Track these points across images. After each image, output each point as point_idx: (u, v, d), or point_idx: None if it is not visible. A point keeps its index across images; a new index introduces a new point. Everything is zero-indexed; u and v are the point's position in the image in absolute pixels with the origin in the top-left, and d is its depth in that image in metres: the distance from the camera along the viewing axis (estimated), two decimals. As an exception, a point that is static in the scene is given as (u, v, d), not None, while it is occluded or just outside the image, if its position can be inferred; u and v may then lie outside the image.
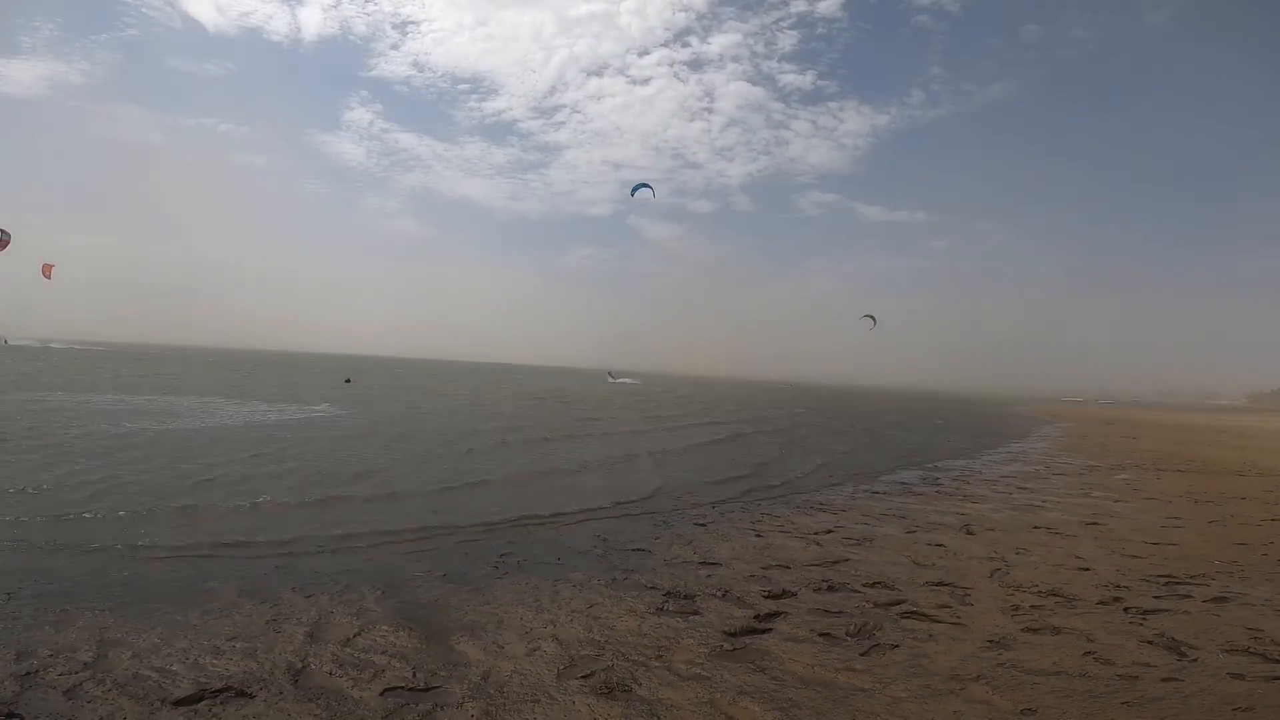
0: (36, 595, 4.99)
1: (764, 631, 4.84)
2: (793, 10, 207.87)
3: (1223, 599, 5.86)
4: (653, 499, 10.13)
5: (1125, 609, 5.53)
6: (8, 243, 22.27)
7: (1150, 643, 4.76)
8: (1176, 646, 4.68)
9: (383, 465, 11.96)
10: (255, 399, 25.93)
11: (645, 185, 24.72)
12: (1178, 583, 6.36)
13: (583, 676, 4.00)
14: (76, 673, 3.77)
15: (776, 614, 5.19)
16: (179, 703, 3.51)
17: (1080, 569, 6.79)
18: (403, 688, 3.80)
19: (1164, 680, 4.12)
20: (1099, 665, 4.35)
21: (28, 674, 3.73)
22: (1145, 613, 5.43)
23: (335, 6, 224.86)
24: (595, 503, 9.58)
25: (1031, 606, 5.57)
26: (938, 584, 6.13)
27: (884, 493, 11.50)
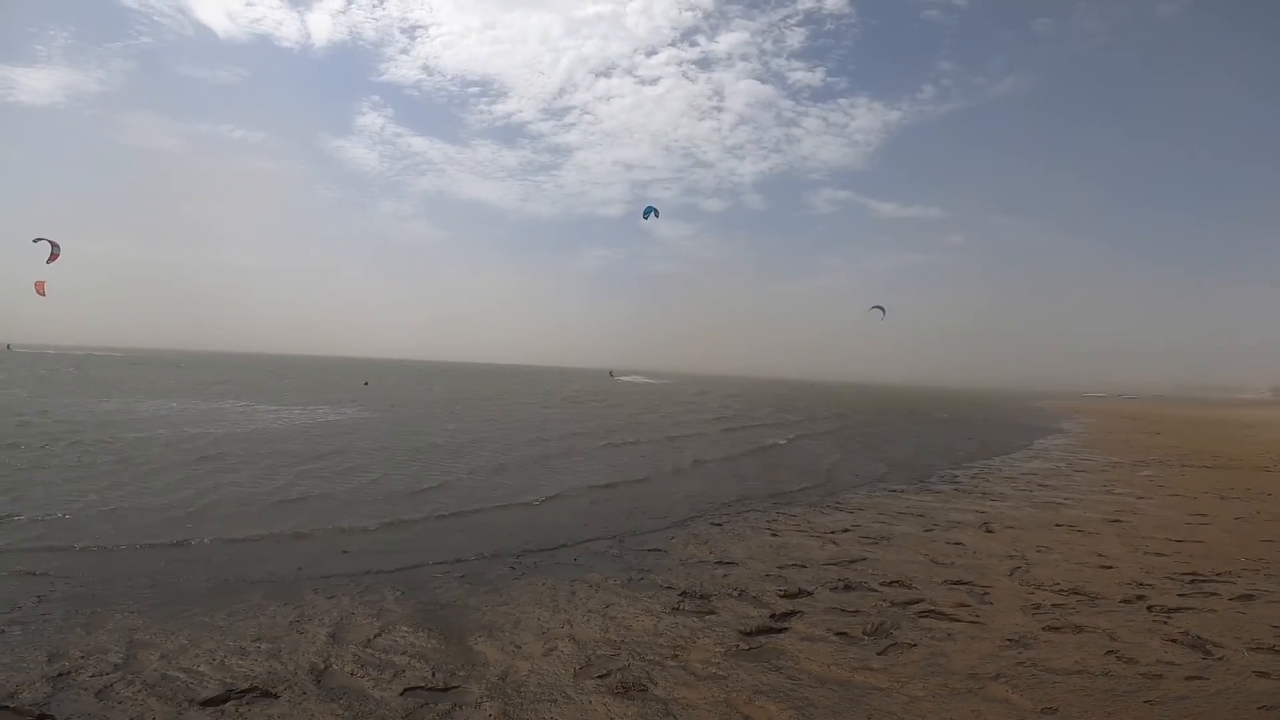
0: (68, 597, 5.11)
1: (780, 631, 4.84)
2: (800, 7, 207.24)
3: (1249, 596, 5.77)
4: (735, 507, 9.79)
5: (1149, 607, 5.46)
6: (58, 255, 22.65)
7: (1175, 641, 4.70)
8: (1201, 645, 4.62)
9: (459, 476, 11.62)
10: (289, 403, 26.38)
11: (653, 209, 25.87)
12: (1203, 580, 6.26)
13: (599, 676, 4.03)
14: (107, 674, 3.86)
15: (793, 613, 5.18)
16: (206, 703, 3.58)
17: (1103, 567, 6.71)
18: (422, 687, 3.85)
19: (1188, 679, 4.07)
20: (1122, 664, 4.30)
21: (60, 675, 3.82)
22: (1169, 611, 5.36)
23: (344, 12, 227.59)
24: (684, 515, 9.16)
25: (1053, 605, 5.52)
26: (956, 583, 6.09)
27: (901, 491, 11.42)
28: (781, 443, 19.80)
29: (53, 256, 22.54)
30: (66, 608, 4.87)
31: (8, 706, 3.46)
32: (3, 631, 4.41)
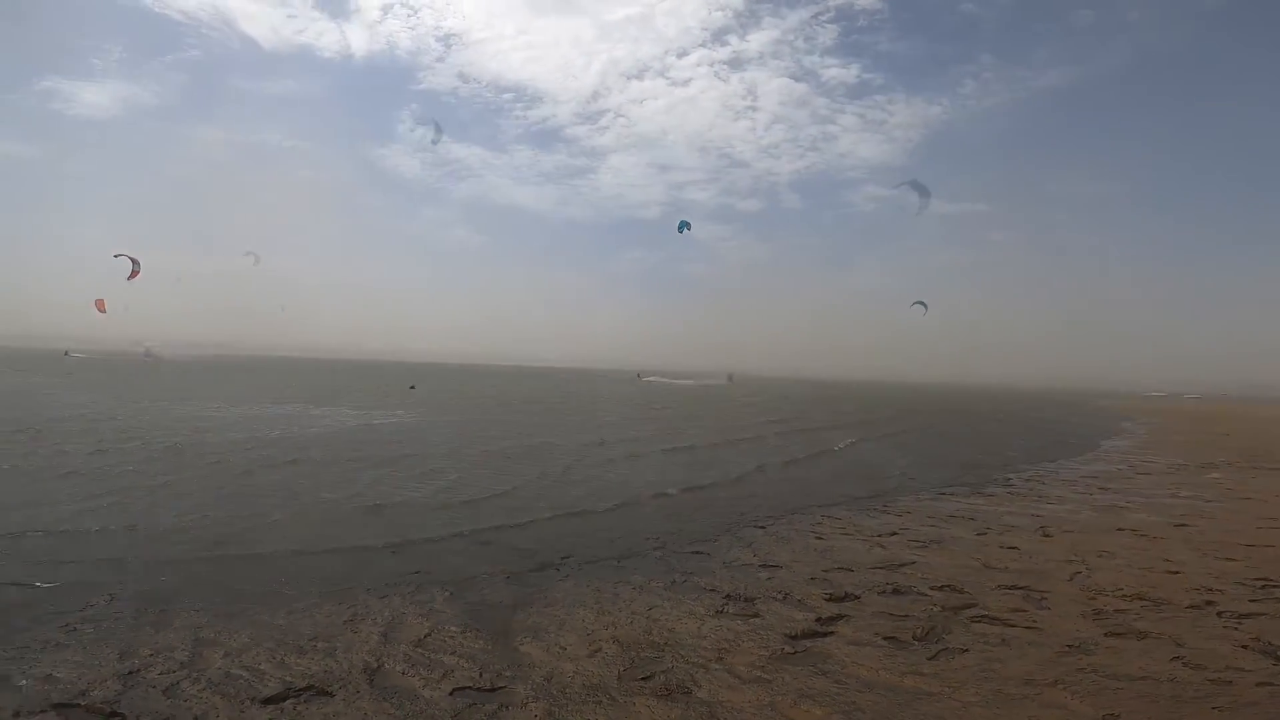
0: (139, 595, 5.33)
1: (826, 635, 4.77)
2: (831, 4, 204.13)
3: (1329, 602, 5.45)
4: (791, 511, 9.59)
5: (1218, 613, 5.22)
6: (139, 272, 23.66)
7: (1245, 647, 4.48)
8: (1273, 651, 4.39)
9: (529, 480, 11.51)
10: (350, 407, 26.96)
11: (686, 224, 26.58)
12: (1274, 586, 5.95)
13: (643, 678, 4.04)
14: (174, 672, 4.03)
15: (839, 617, 5.10)
16: (266, 701, 3.71)
17: (1169, 572, 6.43)
18: (471, 688, 3.91)
19: (1259, 685, 3.87)
20: (1188, 670, 4.11)
21: (130, 673, 4.00)
22: (1240, 616, 5.10)
23: (380, 22, 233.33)
24: (736, 518, 8.99)
25: (1115, 611, 5.32)
26: (1011, 587, 5.91)
27: (953, 494, 11.13)
28: (842, 446, 19.16)
29: (133, 273, 23.52)
30: (137, 606, 5.09)
31: (80, 704, 3.63)
32: (75, 630, 4.63)
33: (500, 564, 6.53)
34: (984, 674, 4.12)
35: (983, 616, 5.16)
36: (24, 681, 3.86)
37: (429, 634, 4.70)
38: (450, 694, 3.84)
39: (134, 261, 23.18)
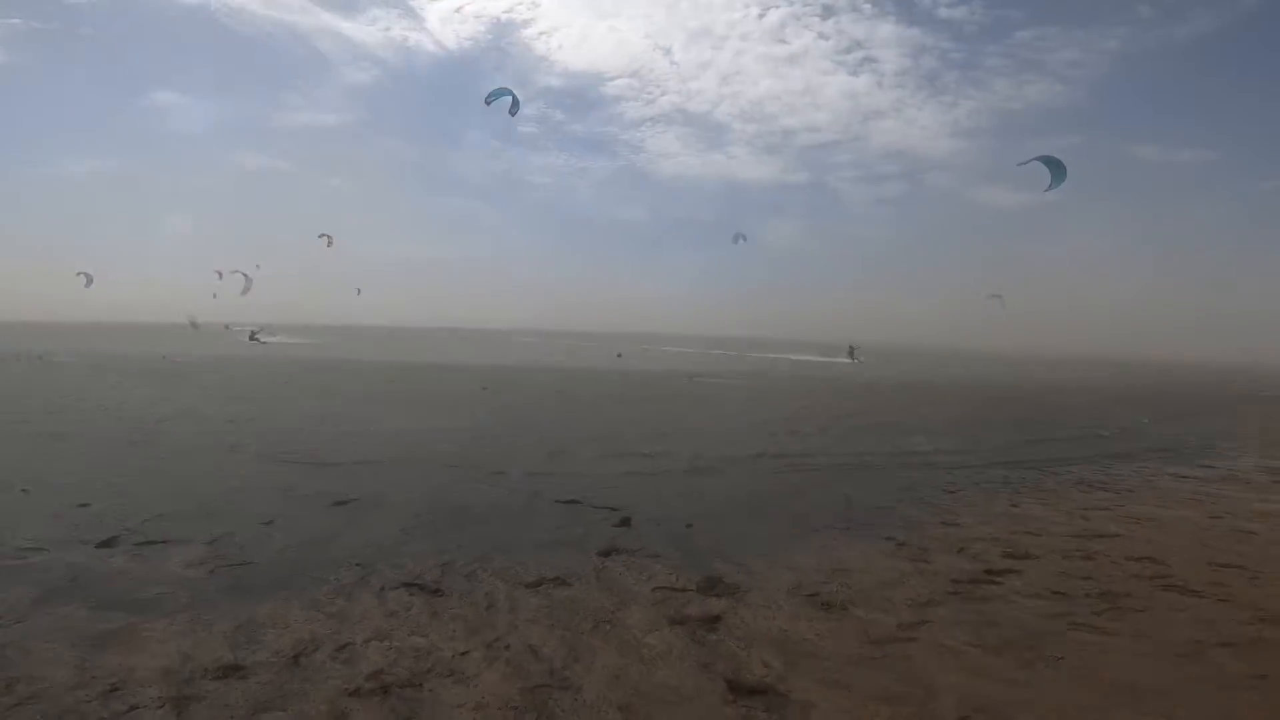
0: (232, 585, 5.57)
1: (909, 640, 4.62)
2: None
3: None
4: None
5: (1346, 623, 4.78)
6: (250, 289, 25.52)
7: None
8: None
9: (593, 484, 11.93)
10: (432, 410, 27.53)
11: (741, 236, 26.63)
12: None
13: (719, 677, 4.00)
14: (268, 661, 4.23)
15: (922, 622, 4.93)
16: (353, 694, 3.87)
17: (1287, 581, 5.94)
18: (545, 684, 3.97)
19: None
20: (1313, 682, 3.79)
21: (229, 664, 4.19)
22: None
23: (439, 32, 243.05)
24: (809, 526, 8.69)
25: (1228, 619, 4.96)
26: (1109, 594, 5.58)
27: (1042, 493, 10.54)
28: (917, 444, 18.32)
29: (247, 289, 25.31)
30: (233, 600, 5.31)
31: (184, 695, 3.83)
32: (174, 618, 4.89)
33: (576, 565, 6.59)
34: (1081, 679, 3.91)
35: (1079, 624, 4.90)
36: (134, 671, 4.14)
37: (508, 630, 4.79)
38: (528, 689, 3.90)
39: (246, 277, 25.09)
